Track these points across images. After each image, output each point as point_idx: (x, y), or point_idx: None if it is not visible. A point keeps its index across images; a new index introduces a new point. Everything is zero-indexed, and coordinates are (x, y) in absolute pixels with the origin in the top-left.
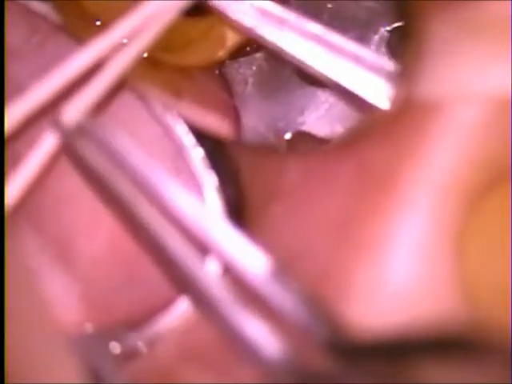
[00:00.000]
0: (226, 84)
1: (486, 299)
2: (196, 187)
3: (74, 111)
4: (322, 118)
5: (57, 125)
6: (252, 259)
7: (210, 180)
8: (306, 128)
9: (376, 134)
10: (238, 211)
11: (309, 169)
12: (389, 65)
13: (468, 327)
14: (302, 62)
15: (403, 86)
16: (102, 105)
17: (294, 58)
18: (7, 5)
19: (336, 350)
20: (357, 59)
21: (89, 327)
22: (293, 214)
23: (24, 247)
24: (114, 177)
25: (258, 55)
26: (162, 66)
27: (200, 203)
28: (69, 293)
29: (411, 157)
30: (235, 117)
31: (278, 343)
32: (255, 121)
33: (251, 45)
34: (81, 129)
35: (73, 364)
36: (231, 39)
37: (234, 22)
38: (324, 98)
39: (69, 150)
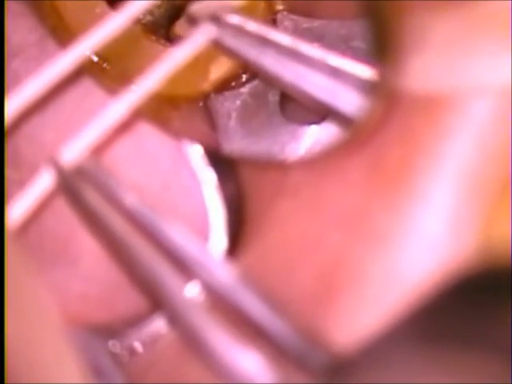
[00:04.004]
0: (209, 117)
1: None
2: (195, 185)
3: (73, 152)
4: (302, 156)
5: (54, 165)
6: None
7: (209, 177)
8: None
9: (387, 129)
10: (239, 209)
11: (316, 165)
12: (369, 72)
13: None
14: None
15: (386, 92)
16: (104, 145)
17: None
18: (7, 4)
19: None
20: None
21: (89, 325)
22: (302, 209)
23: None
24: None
25: (243, 90)
26: (150, 95)
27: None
28: (69, 290)
29: (424, 150)
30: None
31: (268, 368)
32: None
33: (237, 79)
34: (80, 171)
35: (74, 362)
36: (216, 72)
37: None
38: (305, 135)
39: (66, 191)
